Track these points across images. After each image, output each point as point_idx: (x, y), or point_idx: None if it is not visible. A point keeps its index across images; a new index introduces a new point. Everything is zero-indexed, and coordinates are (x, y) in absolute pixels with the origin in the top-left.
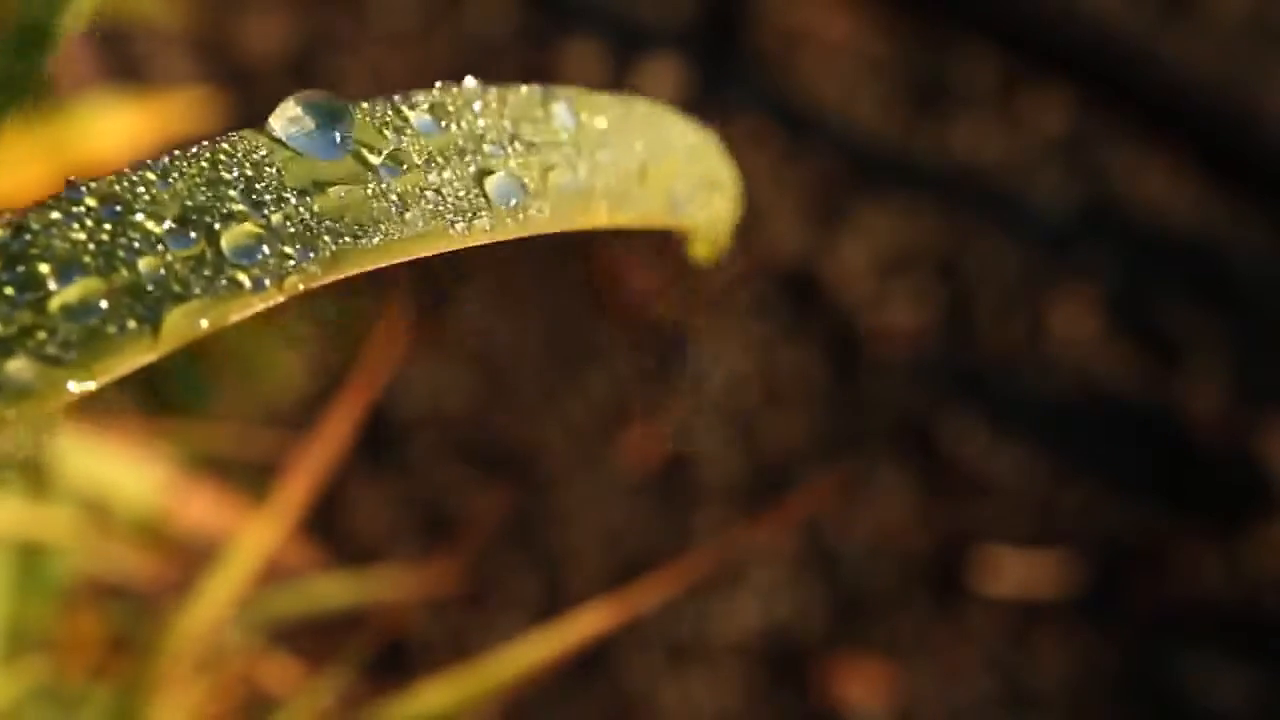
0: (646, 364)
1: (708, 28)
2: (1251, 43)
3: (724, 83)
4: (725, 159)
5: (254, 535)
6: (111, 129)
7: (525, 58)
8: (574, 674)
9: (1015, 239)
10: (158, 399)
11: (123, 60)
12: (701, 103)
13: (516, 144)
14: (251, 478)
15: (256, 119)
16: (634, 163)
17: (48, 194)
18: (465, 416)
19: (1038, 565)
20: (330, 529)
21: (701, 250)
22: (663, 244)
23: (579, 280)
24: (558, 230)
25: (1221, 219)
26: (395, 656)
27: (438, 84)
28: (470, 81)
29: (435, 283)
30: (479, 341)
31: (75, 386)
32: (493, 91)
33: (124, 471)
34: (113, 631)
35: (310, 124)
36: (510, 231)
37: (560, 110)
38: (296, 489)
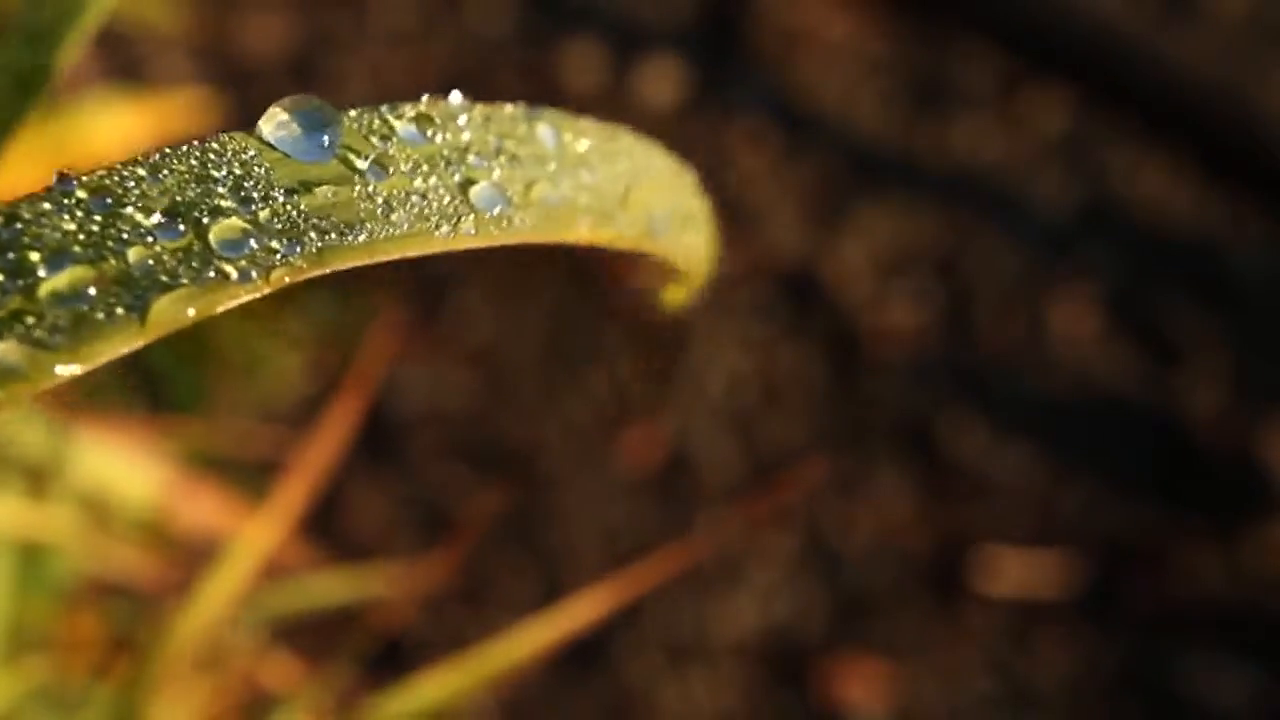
0: (646, 364)
1: (708, 28)
2: (1251, 43)
3: (724, 83)
4: (701, 195)
5: (253, 534)
6: (111, 129)
7: (525, 58)
8: (574, 673)
9: (1015, 239)
10: (157, 399)
11: (123, 61)
12: (701, 103)
13: (501, 157)
14: (251, 477)
15: (255, 120)
16: (617, 185)
17: (40, 187)
18: (465, 416)
19: (1038, 565)
20: (330, 528)
21: (676, 295)
22: None
23: (579, 280)
24: (540, 241)
25: (1221, 219)
26: (395, 654)
27: (425, 97)
28: (456, 96)
29: (435, 282)
30: (479, 341)
31: (63, 370)
32: (478, 108)
33: (124, 471)
34: (113, 631)
35: (298, 129)
36: (494, 239)
37: (544, 130)
38: (296, 488)
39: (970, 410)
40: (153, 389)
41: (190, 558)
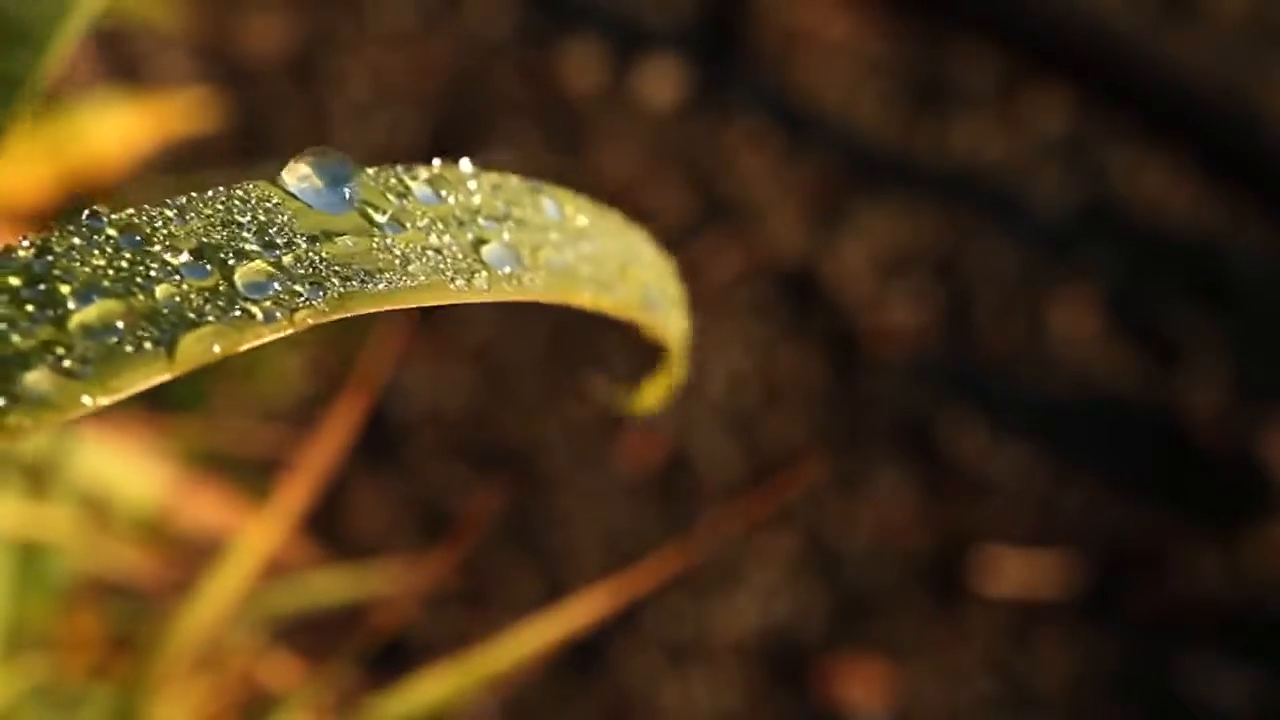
0: (646, 364)
1: (708, 28)
2: (1251, 43)
3: (724, 83)
4: (678, 282)
5: (254, 533)
6: (112, 129)
7: (525, 58)
8: (574, 673)
9: (1015, 239)
10: (158, 398)
11: (122, 61)
12: (701, 103)
13: (510, 222)
14: (252, 476)
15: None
16: (615, 259)
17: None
18: (465, 416)
19: (1038, 565)
20: (331, 527)
21: (657, 389)
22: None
23: None
24: (548, 300)
25: (1221, 219)
26: (396, 655)
27: (436, 161)
28: (466, 163)
29: None
30: (479, 341)
31: (90, 401)
32: (487, 175)
33: (124, 470)
34: (113, 630)
35: (319, 181)
36: (505, 294)
37: (547, 203)
38: (297, 487)
39: (970, 410)
40: (153, 388)
41: (191, 557)
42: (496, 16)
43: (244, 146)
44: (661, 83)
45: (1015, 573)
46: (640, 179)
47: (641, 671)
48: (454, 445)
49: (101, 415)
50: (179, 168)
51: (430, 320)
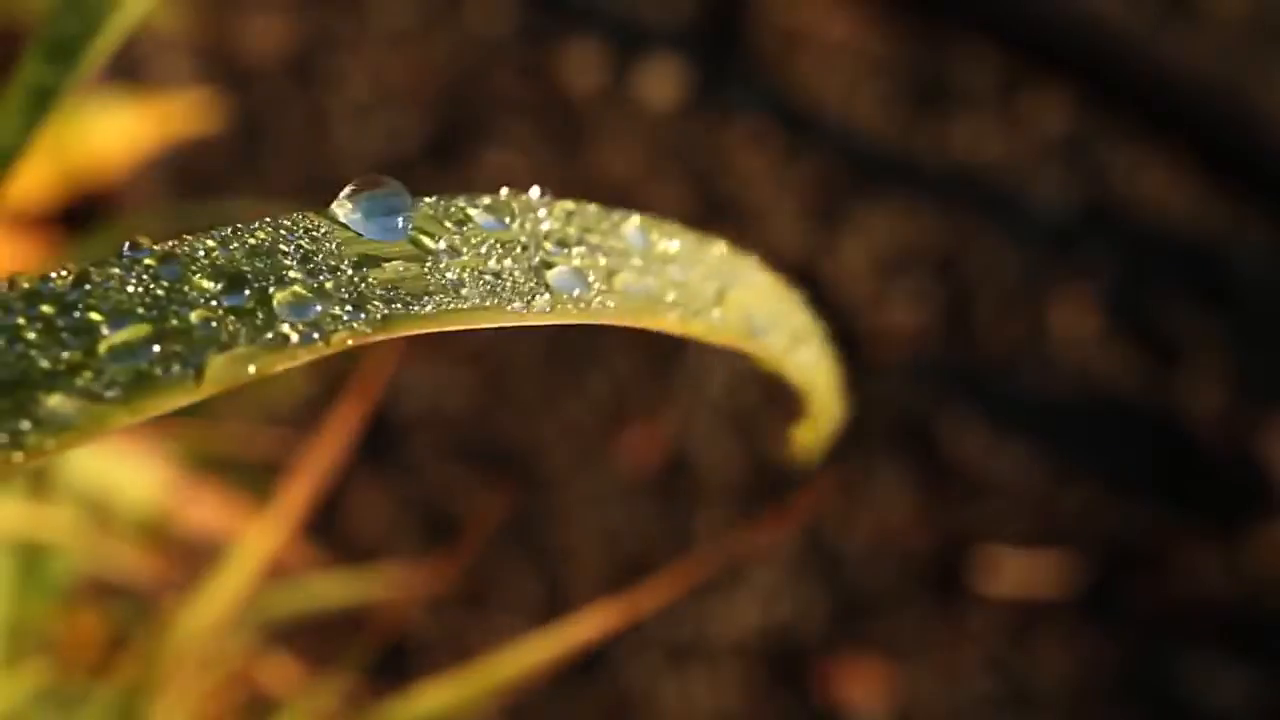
0: (646, 364)
1: (708, 28)
2: (1251, 43)
3: (724, 83)
4: (808, 312)
5: (255, 536)
6: (113, 130)
7: (525, 58)
8: (574, 674)
9: (1015, 239)
10: None
11: (123, 61)
12: (701, 103)
13: (582, 247)
14: (253, 478)
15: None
16: (710, 284)
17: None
18: (465, 416)
19: (1038, 565)
20: (331, 529)
21: (808, 435)
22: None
23: None
24: (622, 323)
25: (1221, 219)
26: (396, 657)
27: (504, 189)
28: (535, 190)
29: None
30: (479, 341)
31: (116, 423)
32: (561, 202)
33: (125, 471)
34: (113, 631)
35: (372, 210)
36: (571, 316)
37: (630, 230)
38: (298, 490)
39: (970, 410)
40: None
41: (191, 559)
42: (496, 16)
43: (245, 147)
44: (661, 83)
45: (1015, 573)
46: (640, 179)
47: (641, 671)
48: (454, 446)
49: None
50: (179, 168)
51: None
